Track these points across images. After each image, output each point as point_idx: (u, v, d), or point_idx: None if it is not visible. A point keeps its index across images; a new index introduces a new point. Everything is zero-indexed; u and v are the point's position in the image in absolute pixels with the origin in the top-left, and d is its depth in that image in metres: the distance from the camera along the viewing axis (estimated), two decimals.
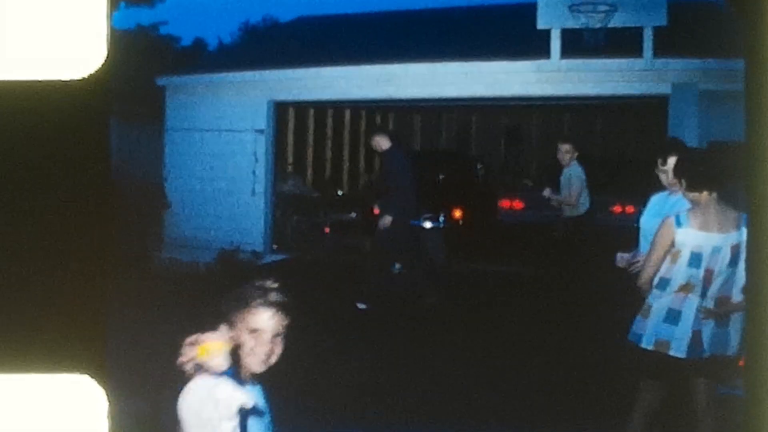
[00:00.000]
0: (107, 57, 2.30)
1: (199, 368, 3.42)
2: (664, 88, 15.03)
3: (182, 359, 3.50)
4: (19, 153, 2.29)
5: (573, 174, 12.27)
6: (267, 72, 17.81)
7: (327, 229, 19.11)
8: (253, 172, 17.75)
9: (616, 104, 19.37)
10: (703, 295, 6.04)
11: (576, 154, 12.39)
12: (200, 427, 3.31)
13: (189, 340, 3.48)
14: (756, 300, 2.52)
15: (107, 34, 2.31)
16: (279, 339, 3.61)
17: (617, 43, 15.11)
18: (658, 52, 14.86)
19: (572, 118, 25.69)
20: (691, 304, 6.06)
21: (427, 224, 17.70)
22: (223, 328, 3.53)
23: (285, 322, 3.60)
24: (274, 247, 18.02)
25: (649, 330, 6.21)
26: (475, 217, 19.41)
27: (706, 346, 6.09)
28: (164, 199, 18.04)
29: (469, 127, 28.02)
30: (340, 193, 23.24)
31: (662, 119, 15.20)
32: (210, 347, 3.41)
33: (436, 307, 12.94)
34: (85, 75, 2.29)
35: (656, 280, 6.18)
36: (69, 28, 2.31)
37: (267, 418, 3.67)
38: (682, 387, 6.30)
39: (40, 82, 2.29)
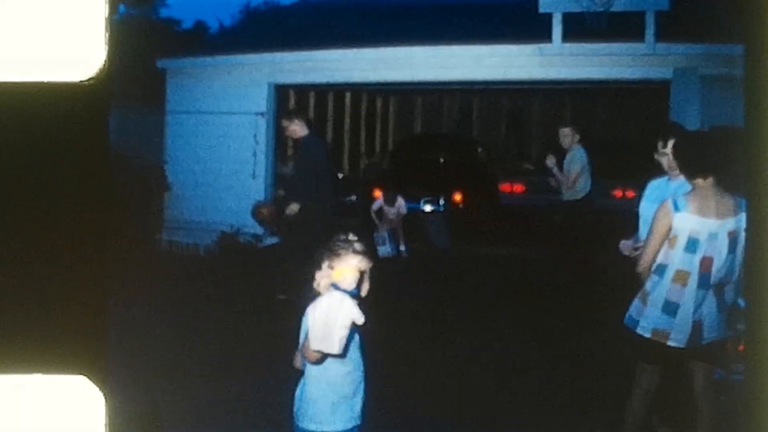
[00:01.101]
0: (107, 59, 2.29)
1: (333, 286, 4.36)
2: (665, 73, 14.98)
3: (318, 278, 4.45)
4: (19, 154, 2.28)
5: (574, 157, 12.26)
6: (267, 55, 17.77)
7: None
8: (254, 155, 17.73)
9: (617, 88, 19.33)
10: (702, 283, 6.01)
11: (577, 137, 12.37)
12: (323, 329, 4.12)
13: (324, 265, 4.47)
14: (756, 288, 2.51)
15: (107, 37, 2.30)
16: (366, 273, 4.55)
17: (619, 27, 15.07)
18: (660, 37, 14.82)
19: (574, 102, 25.66)
20: (689, 296, 6.02)
21: (428, 208, 17.72)
22: (325, 267, 4.52)
23: (367, 264, 4.56)
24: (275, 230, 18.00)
25: (646, 318, 6.19)
26: (475, 201, 19.39)
27: (705, 333, 6.08)
28: (164, 182, 18.02)
29: (470, 110, 27.98)
30: (340, 176, 23.22)
31: (664, 104, 15.16)
32: (344, 270, 4.37)
33: (436, 291, 12.95)
34: (85, 77, 2.28)
35: (654, 265, 6.16)
36: (69, 31, 2.30)
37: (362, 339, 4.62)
38: (679, 371, 6.29)
39: (40, 83, 2.28)
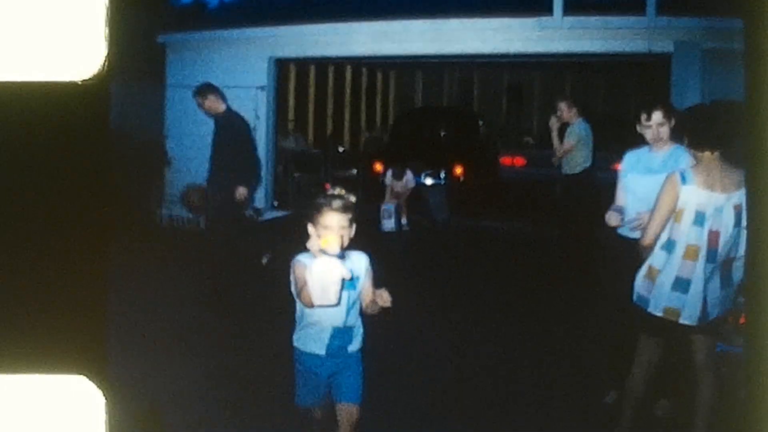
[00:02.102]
0: (107, 59, 2.29)
1: (322, 252, 5.13)
2: (666, 46, 14.96)
3: (312, 244, 5.27)
4: (19, 154, 2.28)
5: (573, 130, 12.25)
6: (268, 29, 17.73)
7: (328, 186, 19.11)
8: (254, 129, 17.72)
9: (618, 62, 19.31)
10: (710, 258, 5.98)
11: (575, 110, 12.35)
12: (321, 288, 4.94)
13: (315, 242, 5.25)
14: (757, 261, 2.52)
15: (107, 37, 2.30)
16: (345, 231, 5.27)
17: (620, 0, 15.04)
18: (660, 10, 14.78)
19: (574, 75, 25.64)
20: (699, 271, 5.98)
21: (429, 181, 17.73)
22: (311, 227, 5.32)
23: (347, 219, 5.28)
24: (275, 203, 18.02)
25: (657, 296, 6.13)
26: (476, 174, 19.40)
27: (709, 309, 6.06)
28: (165, 156, 18.02)
29: (471, 84, 27.97)
30: (341, 149, 23.23)
31: (665, 78, 15.14)
32: (330, 239, 5.16)
33: (436, 265, 12.98)
34: (85, 77, 2.28)
35: (662, 241, 6.12)
36: (69, 31, 2.29)
37: (356, 289, 5.45)
38: (682, 345, 6.29)
39: (39, 83, 2.28)
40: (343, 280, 5.04)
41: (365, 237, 6.80)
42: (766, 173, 2.45)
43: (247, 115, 17.58)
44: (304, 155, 20.28)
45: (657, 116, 6.78)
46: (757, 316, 2.47)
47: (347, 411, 5.59)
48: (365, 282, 5.48)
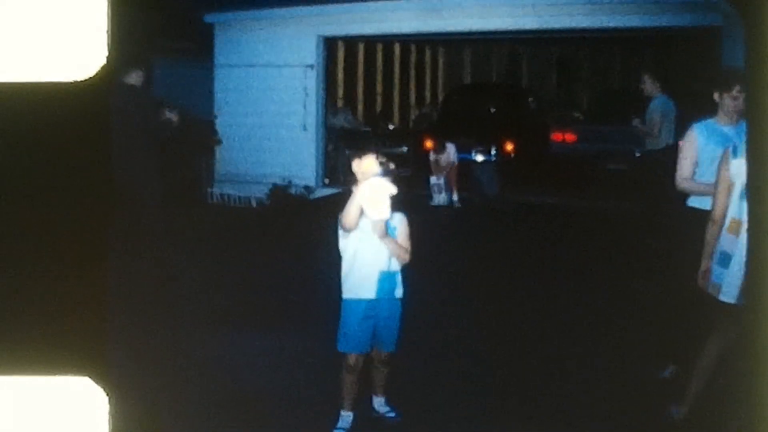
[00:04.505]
0: (107, 59, 2.29)
1: (367, 175, 5.77)
2: (715, 19, 14.80)
3: (358, 170, 5.92)
4: (18, 155, 2.29)
5: (655, 106, 12.09)
6: (316, 7, 17.74)
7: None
8: (304, 107, 17.77)
9: (667, 36, 19.16)
10: None
11: (658, 84, 12.17)
12: (372, 198, 5.62)
13: (358, 165, 5.96)
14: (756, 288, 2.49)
15: (108, 36, 2.30)
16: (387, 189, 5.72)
17: None
18: None
19: (622, 50, 25.46)
20: (741, 247, 5.68)
21: (479, 157, 17.70)
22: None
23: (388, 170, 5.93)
24: (326, 181, 18.06)
25: (712, 272, 5.97)
26: (527, 150, 19.33)
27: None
28: (215, 136, 18.11)
29: (519, 59, 27.85)
30: (390, 127, 23.22)
31: (715, 50, 14.99)
32: (371, 163, 5.88)
33: (487, 240, 12.98)
34: (85, 77, 2.28)
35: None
36: (69, 30, 2.30)
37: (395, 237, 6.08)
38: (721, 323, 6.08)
39: (39, 83, 2.29)
40: (390, 195, 5.66)
41: (417, 211, 6.85)
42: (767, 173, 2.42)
43: (296, 93, 17.67)
44: (353, 133, 20.30)
45: (742, 88, 6.56)
46: (757, 315, 2.44)
47: (381, 357, 6.28)
48: (401, 231, 6.10)
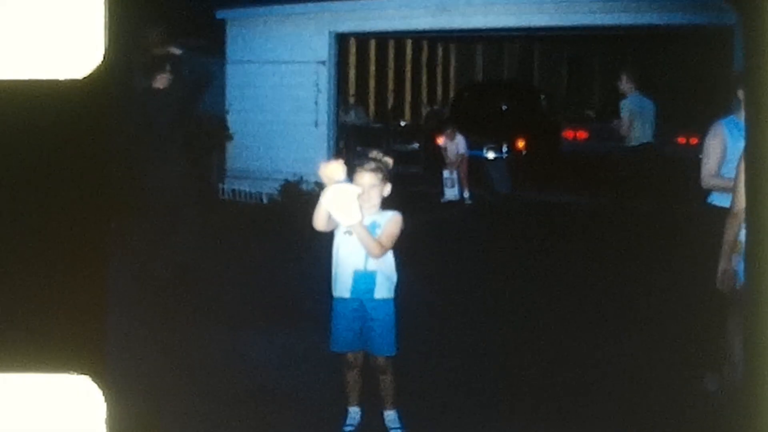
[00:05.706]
0: (105, 57, 2.29)
1: (332, 180, 5.63)
2: (729, 18, 14.77)
3: (324, 175, 5.70)
4: (14, 153, 2.30)
5: (625, 104, 12.23)
6: (328, 3, 17.74)
7: None
8: (315, 103, 17.76)
9: (680, 34, 19.12)
10: None
11: (631, 85, 12.28)
12: (337, 202, 5.58)
13: (323, 169, 5.72)
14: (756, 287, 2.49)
15: (105, 34, 2.30)
16: (376, 189, 5.85)
17: None
18: None
19: (636, 48, 25.42)
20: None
21: (491, 155, 17.72)
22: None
23: (377, 178, 5.87)
24: None
25: (736, 269, 5.92)
26: (538, 148, 19.34)
27: None
28: (227, 131, 18.11)
29: (531, 57, 27.84)
30: (402, 123, 23.24)
31: (728, 49, 14.96)
32: (336, 168, 5.67)
33: (497, 237, 12.98)
34: (83, 75, 2.28)
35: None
36: (66, 28, 2.30)
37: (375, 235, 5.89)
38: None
39: (35, 81, 2.29)
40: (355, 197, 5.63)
41: (427, 208, 6.83)
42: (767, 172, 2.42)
43: (308, 90, 17.67)
44: (365, 129, 20.31)
45: None
46: (757, 315, 2.44)
47: (377, 363, 6.11)
48: (386, 229, 5.94)
